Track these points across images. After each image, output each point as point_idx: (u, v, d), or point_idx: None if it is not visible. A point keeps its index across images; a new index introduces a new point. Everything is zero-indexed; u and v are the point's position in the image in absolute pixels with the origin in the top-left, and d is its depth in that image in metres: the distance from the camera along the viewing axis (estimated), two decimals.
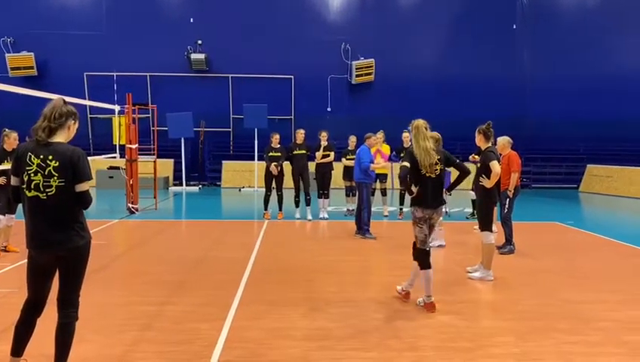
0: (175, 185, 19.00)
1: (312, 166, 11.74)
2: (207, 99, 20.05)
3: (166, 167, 18.84)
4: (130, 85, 18.21)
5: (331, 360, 4.18)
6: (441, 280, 6.65)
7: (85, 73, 19.75)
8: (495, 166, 6.43)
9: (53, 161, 3.35)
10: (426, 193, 5.43)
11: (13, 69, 19.60)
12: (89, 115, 19.92)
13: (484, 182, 6.53)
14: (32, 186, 3.36)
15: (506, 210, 8.15)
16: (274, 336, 4.63)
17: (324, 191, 11.63)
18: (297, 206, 11.60)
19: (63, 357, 3.50)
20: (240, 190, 18.39)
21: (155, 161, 13.61)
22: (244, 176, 19.27)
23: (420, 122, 5.53)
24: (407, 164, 5.54)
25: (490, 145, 6.74)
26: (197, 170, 20.10)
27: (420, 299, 5.63)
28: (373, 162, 9.49)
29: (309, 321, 5.04)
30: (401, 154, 11.28)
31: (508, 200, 8.11)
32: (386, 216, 11.78)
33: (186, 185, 18.53)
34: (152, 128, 18.39)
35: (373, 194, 10.58)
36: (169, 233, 10.33)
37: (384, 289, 6.11)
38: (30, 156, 3.36)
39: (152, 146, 16.61)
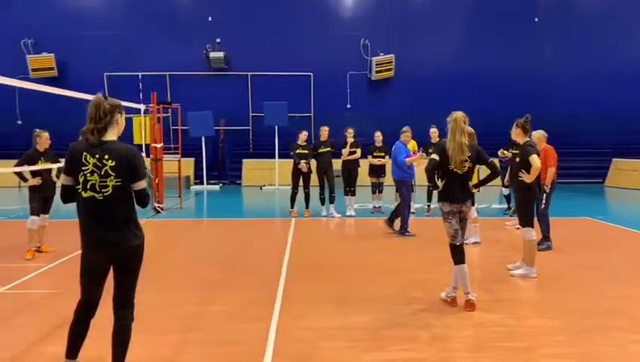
0: (196, 183, 19.02)
1: (337, 163, 11.62)
2: (227, 97, 20.00)
3: (187, 165, 18.84)
4: (150, 84, 18.25)
5: None
6: (482, 278, 6.54)
7: (105, 73, 19.81)
8: (535, 160, 6.29)
9: (110, 161, 3.29)
10: (452, 188, 5.31)
11: (34, 70, 19.73)
12: None
13: (524, 177, 6.39)
14: (88, 186, 3.29)
15: (543, 206, 7.98)
16: (323, 337, 4.54)
17: (350, 188, 11.52)
18: (323, 203, 11.51)
19: (121, 358, 3.45)
20: (261, 188, 18.35)
21: (179, 160, 13.62)
22: (263, 175, 19.20)
23: (459, 115, 5.38)
24: (436, 157, 5.40)
25: (528, 139, 6.62)
26: (217, 169, 20.08)
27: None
28: (408, 157, 9.32)
29: (356, 321, 4.94)
30: (429, 150, 11.16)
31: (545, 195, 7.94)
32: (413, 212, 11.62)
33: (207, 183, 18.53)
34: (172, 127, 18.43)
35: (413, 191, 10.49)
36: (198, 232, 10.31)
37: (427, 287, 5.98)
38: (85, 156, 3.29)
39: (172, 145, 16.63)
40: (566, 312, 5.22)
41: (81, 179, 3.30)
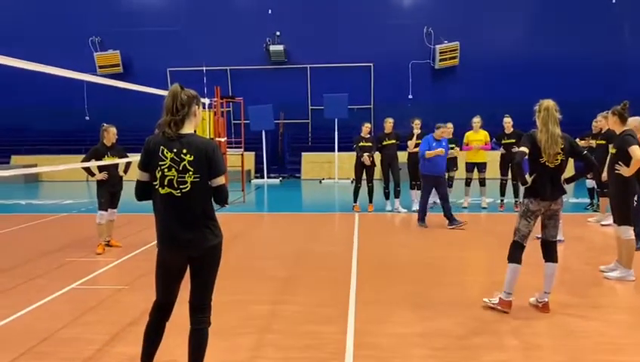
0: (256, 177, 19.05)
1: (402, 156, 11.19)
2: (286, 90, 19.93)
3: (247, 159, 18.90)
4: (211, 79, 18.36)
5: None
6: (573, 280, 5.99)
7: (168, 69, 20.15)
8: (636, 151, 5.67)
9: (188, 155, 3.07)
10: (542, 183, 4.82)
11: (101, 67, 20.37)
12: None
13: (622, 170, 5.79)
14: (166, 183, 3.09)
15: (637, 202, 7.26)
16: (405, 344, 4.20)
17: (417, 182, 11.05)
18: (387, 198, 11.14)
19: None
20: (320, 182, 18.14)
21: (242, 154, 13.62)
22: (323, 168, 19.00)
23: (550, 103, 4.90)
24: (525, 149, 4.90)
25: (626, 128, 5.99)
26: (276, 162, 20.05)
27: (532, 298, 5.06)
28: (430, 150, 9.26)
29: (437, 326, 4.57)
30: (502, 141, 10.55)
31: None
32: (485, 208, 11.07)
33: (267, 177, 18.52)
34: (233, 121, 18.53)
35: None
36: (262, 226, 10.20)
37: None
38: (163, 150, 3.08)
39: (232, 140, 16.69)
40: None
41: (158, 175, 3.10)
